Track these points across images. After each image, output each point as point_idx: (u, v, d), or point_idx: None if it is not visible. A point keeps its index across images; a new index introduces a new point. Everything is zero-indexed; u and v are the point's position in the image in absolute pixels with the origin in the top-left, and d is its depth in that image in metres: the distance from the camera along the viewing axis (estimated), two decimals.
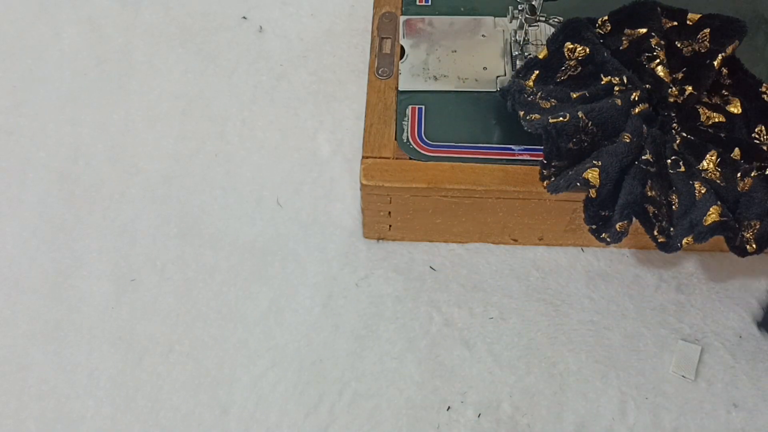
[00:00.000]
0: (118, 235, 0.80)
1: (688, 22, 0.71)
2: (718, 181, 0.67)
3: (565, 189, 0.65)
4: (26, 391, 0.72)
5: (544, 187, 0.67)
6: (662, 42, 0.70)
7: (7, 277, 0.78)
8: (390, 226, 0.77)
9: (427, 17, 0.79)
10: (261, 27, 0.94)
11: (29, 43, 0.93)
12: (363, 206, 0.74)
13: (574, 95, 0.70)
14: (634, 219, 0.64)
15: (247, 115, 0.88)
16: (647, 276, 0.78)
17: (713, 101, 0.71)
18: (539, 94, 0.70)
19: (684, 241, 0.64)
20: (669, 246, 0.65)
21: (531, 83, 0.71)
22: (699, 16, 0.71)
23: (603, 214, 0.66)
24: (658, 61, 0.70)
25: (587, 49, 0.70)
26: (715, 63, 0.70)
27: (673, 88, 0.70)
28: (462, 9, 0.80)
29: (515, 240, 0.79)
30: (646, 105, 0.69)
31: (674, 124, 0.70)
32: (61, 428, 0.71)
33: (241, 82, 0.90)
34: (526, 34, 0.75)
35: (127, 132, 0.87)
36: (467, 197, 0.71)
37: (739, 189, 0.67)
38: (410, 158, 0.71)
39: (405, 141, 0.72)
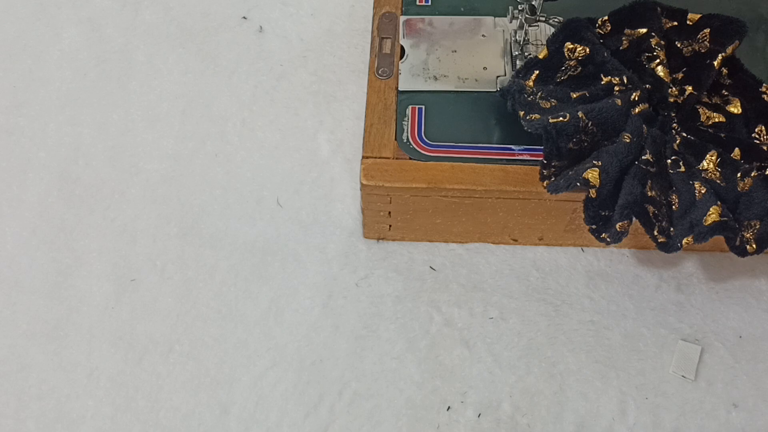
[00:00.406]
0: (118, 235, 0.80)
1: (688, 22, 0.71)
2: (718, 181, 0.67)
3: (565, 189, 0.65)
4: (26, 391, 0.72)
5: (544, 187, 0.66)
6: (662, 42, 0.70)
7: (7, 277, 0.78)
8: (390, 226, 0.77)
9: (427, 17, 0.79)
10: (261, 27, 0.94)
11: (29, 43, 0.93)
12: (363, 206, 0.74)
13: (574, 95, 0.70)
14: (634, 219, 0.64)
15: (247, 115, 0.88)
16: (647, 276, 0.78)
17: (713, 101, 0.71)
18: (539, 94, 0.70)
19: (684, 241, 0.64)
20: (669, 246, 0.65)
21: (531, 83, 0.71)
22: (699, 16, 0.71)
23: (603, 214, 0.65)
24: (658, 61, 0.70)
25: (587, 49, 0.70)
26: (715, 63, 0.70)
27: (673, 88, 0.70)
28: (462, 9, 0.80)
29: (515, 240, 0.79)
30: (646, 105, 0.68)
31: (674, 124, 0.70)
32: (61, 428, 0.71)
33: (241, 82, 0.90)
34: (526, 34, 0.75)
35: (127, 132, 0.87)
36: (467, 197, 0.71)
37: (739, 189, 0.67)
38: (410, 158, 0.71)
39: (405, 141, 0.72)
